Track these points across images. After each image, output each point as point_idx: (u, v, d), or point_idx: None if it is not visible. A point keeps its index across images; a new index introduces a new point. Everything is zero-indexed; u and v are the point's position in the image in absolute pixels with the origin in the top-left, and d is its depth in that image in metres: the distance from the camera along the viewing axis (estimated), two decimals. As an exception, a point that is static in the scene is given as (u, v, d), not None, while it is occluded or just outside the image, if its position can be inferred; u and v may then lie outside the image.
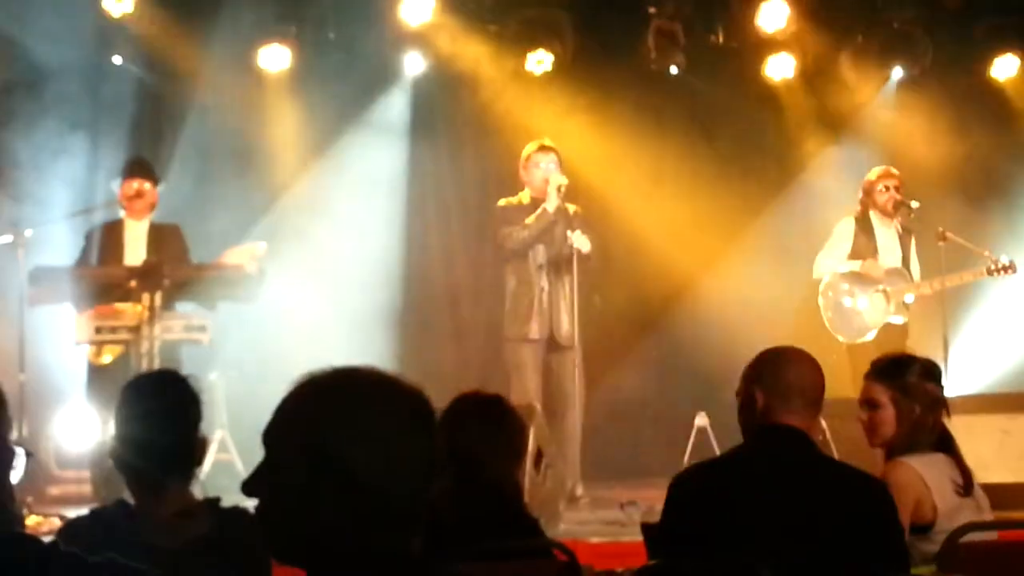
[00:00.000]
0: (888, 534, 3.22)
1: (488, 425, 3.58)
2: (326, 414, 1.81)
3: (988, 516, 3.86)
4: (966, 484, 3.80)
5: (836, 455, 5.67)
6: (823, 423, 6.41)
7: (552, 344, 7.68)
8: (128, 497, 3.09)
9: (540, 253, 7.74)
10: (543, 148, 7.85)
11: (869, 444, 4.00)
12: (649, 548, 3.64)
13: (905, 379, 3.90)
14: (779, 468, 3.25)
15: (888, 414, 3.89)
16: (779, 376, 3.33)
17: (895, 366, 3.96)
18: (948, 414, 3.94)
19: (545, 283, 7.72)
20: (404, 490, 1.80)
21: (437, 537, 1.94)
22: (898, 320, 8.03)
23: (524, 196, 7.82)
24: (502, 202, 7.86)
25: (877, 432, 3.92)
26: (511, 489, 3.60)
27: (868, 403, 3.93)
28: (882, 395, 3.90)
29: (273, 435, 1.84)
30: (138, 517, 2.98)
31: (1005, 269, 7.92)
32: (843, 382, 7.85)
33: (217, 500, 3.14)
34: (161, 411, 3.06)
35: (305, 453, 1.79)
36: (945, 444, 3.88)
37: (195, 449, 3.11)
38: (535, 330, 7.67)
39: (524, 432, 3.73)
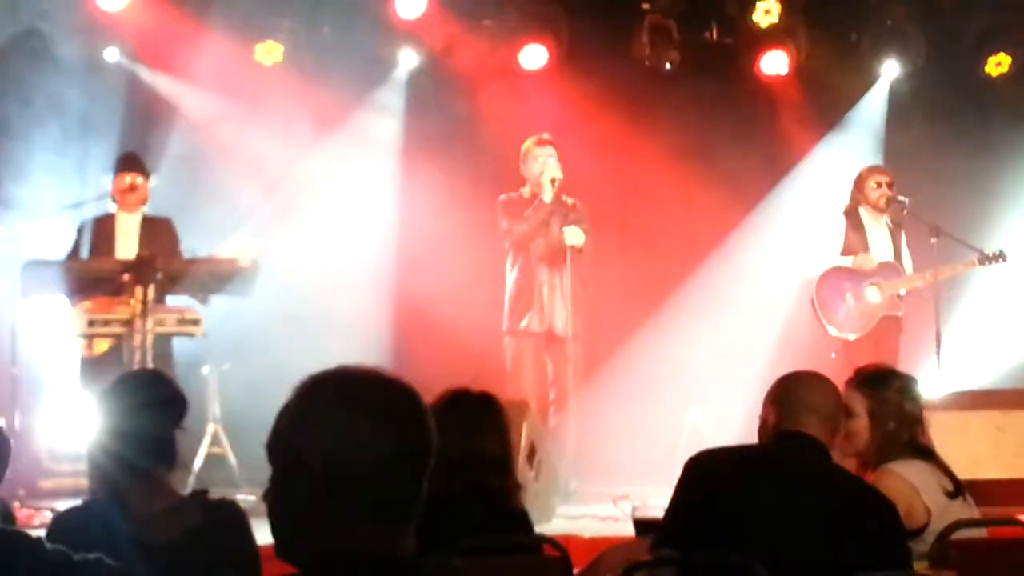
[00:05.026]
0: (895, 546, 3.23)
1: (475, 422, 3.59)
2: (298, 415, 1.83)
3: (976, 515, 3.87)
4: (955, 489, 3.80)
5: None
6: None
7: (550, 337, 7.69)
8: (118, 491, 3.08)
9: (539, 246, 7.75)
10: (541, 142, 7.87)
11: (840, 452, 3.99)
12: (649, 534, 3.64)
13: (883, 394, 3.90)
14: (793, 470, 3.26)
15: (862, 424, 3.88)
16: (792, 395, 3.36)
17: (875, 379, 3.96)
18: (925, 432, 3.93)
19: (544, 277, 7.74)
20: (384, 487, 1.79)
21: (427, 533, 1.93)
22: (892, 314, 8.04)
23: (524, 190, 7.85)
24: (503, 197, 7.88)
25: (850, 441, 3.86)
26: (499, 484, 3.60)
27: (844, 411, 3.92)
28: (859, 405, 3.90)
29: (268, 442, 1.87)
30: (128, 511, 2.97)
31: (995, 258, 7.95)
32: (839, 380, 7.84)
33: (205, 492, 3.14)
34: (145, 405, 3.06)
35: (283, 455, 1.82)
36: (925, 454, 3.88)
37: (175, 443, 3.11)
38: (535, 323, 7.68)
39: (511, 427, 3.73)
